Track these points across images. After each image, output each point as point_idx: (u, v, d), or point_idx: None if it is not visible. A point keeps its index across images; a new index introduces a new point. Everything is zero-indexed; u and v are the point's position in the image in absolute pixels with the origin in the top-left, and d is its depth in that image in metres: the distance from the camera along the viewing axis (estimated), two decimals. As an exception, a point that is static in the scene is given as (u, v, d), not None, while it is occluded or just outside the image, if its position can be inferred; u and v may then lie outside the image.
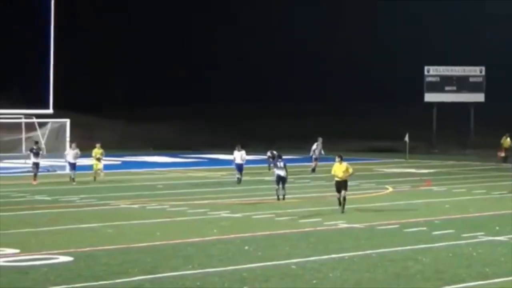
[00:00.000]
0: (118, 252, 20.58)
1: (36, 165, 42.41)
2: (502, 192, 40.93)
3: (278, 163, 35.85)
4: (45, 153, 46.25)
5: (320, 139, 54.26)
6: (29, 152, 45.53)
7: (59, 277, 16.40)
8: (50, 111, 51.69)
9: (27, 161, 49.16)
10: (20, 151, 54.31)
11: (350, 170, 30.70)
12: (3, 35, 57.55)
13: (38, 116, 54.38)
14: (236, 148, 45.03)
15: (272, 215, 29.92)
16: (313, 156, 51.52)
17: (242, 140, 50.01)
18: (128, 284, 16.24)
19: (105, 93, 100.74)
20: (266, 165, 52.23)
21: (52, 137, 51.80)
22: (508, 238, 23.73)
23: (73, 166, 42.72)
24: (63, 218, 28.94)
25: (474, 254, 20.83)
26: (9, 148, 54.75)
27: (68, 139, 49.48)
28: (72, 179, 42.21)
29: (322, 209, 32.05)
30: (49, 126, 53.55)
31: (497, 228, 26.52)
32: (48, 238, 23.09)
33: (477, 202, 37.59)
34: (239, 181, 43.48)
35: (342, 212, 29.77)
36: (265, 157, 51.14)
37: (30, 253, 19.65)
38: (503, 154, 60.69)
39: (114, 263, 18.47)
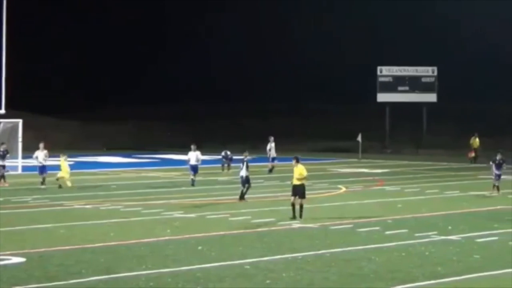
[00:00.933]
0: (72, 252, 20.53)
1: (3, 167, 41.84)
2: (455, 192, 41.68)
3: (242, 164, 36.42)
4: (9, 154, 44.69)
5: (271, 138, 54.25)
6: None
7: (12, 278, 16.36)
8: (2, 111, 52.08)
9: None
10: None
11: (304, 173, 29.65)
12: None
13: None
14: (192, 148, 44.33)
15: (226, 215, 29.85)
16: (270, 157, 51.67)
17: (200, 139, 49.85)
18: (82, 285, 16.24)
19: (58, 94, 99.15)
20: (219, 165, 52.90)
21: (4, 138, 50.61)
22: (460, 237, 24.26)
23: (43, 168, 41.39)
24: (17, 219, 28.82)
25: (427, 253, 21.25)
26: None
27: (20, 139, 49.56)
28: (42, 182, 40.65)
29: (276, 209, 32.04)
30: (1, 126, 53.21)
31: (449, 227, 26.92)
32: (1, 238, 22.65)
33: (430, 201, 38.03)
34: (192, 182, 42.75)
35: (300, 217, 28.59)
36: (219, 157, 51.54)
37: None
38: (473, 155, 61.77)
39: (68, 263, 18.37)
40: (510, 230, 26.23)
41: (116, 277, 16.90)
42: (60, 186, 40.26)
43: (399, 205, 35.18)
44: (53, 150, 49.16)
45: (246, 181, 35.59)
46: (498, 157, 40.84)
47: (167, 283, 16.35)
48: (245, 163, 36.27)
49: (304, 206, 30.30)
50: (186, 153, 46.15)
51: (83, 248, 21.29)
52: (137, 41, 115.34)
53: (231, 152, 53.30)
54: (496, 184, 40.02)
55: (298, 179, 29.21)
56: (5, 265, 18.26)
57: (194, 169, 43.36)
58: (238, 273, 17.60)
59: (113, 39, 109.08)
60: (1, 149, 43.28)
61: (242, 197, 34.93)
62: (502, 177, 41.39)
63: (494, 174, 40.60)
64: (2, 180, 41.06)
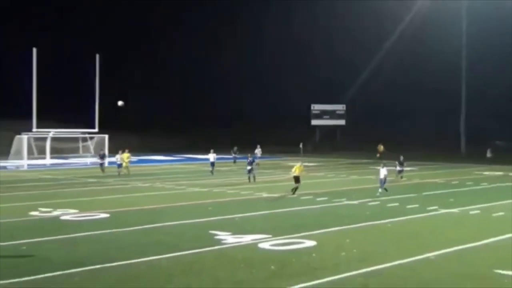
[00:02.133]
0: (139, 211, 25.03)
1: (102, 164, 47.20)
2: (354, 176, 45.82)
3: (251, 160, 41.66)
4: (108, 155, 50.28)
5: (258, 145, 60.04)
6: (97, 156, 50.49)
7: (99, 226, 21.75)
8: (96, 130, 56.77)
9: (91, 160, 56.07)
10: (78, 154, 59.81)
11: (302, 168, 34.21)
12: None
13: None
14: (211, 151, 47.48)
15: (236, 190, 33.57)
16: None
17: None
18: (156, 228, 21.44)
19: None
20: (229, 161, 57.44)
21: (98, 146, 55.78)
22: (359, 201, 28.96)
23: (120, 165, 44.35)
24: (103, 192, 32.08)
25: (339, 211, 26.11)
26: (71, 152, 59.28)
27: (106, 147, 54.03)
28: (118, 173, 43.90)
29: (256, 187, 35.65)
30: (95, 139, 58.20)
31: (353, 196, 31.24)
32: (94, 203, 26.36)
33: (342, 181, 41.57)
34: (212, 172, 46.20)
35: (293, 194, 32.20)
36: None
37: (86, 212, 24.47)
38: (378, 155, 64.51)
39: (140, 217, 23.30)
40: (386, 198, 30.06)
41: (176, 224, 22.38)
42: (102, 171, 46.34)
43: (323, 183, 38.97)
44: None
45: (249, 172, 40.17)
46: (400, 160, 43.42)
47: (225, 223, 22.00)
48: (250, 160, 41.52)
49: (275, 185, 36.40)
50: (207, 153, 49.35)
51: (145, 208, 25.95)
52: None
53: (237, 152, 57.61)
54: (400, 175, 42.89)
55: (297, 173, 33.26)
56: (94, 219, 23.05)
57: (213, 164, 47.60)
58: (242, 219, 23.03)
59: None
60: (101, 153, 49.86)
61: (249, 179, 39.50)
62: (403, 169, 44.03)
63: (398, 168, 43.11)
64: (101, 170, 46.08)
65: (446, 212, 26.06)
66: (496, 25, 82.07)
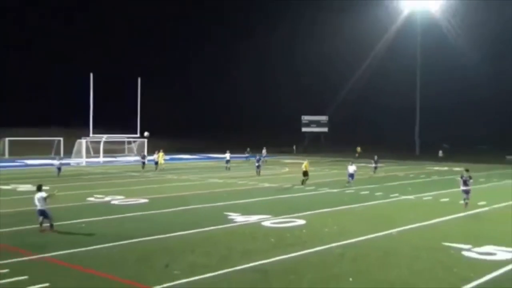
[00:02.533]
0: (174, 197, 25.07)
1: (143, 162, 43.63)
2: (336, 170, 40.26)
3: (258, 158, 41.17)
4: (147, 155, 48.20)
5: (264, 147, 57.32)
6: (139, 156, 48.19)
7: (141, 209, 21.79)
8: (138, 135, 56.07)
9: (134, 158, 55.00)
10: (124, 154, 60.27)
11: (307, 166, 33.12)
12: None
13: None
14: (227, 152, 46.18)
15: (246, 181, 33.25)
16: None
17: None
18: (190, 210, 21.55)
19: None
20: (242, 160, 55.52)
21: (139, 149, 55.95)
22: (338, 190, 28.41)
23: (156, 163, 42.94)
24: (144, 182, 31.77)
25: (323, 197, 25.94)
26: (119, 152, 59.86)
27: (145, 150, 52.58)
28: (156, 168, 42.83)
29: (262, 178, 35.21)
30: (137, 143, 59.12)
31: (334, 185, 30.29)
32: (136, 191, 26.55)
33: (325, 174, 39.61)
34: (227, 168, 44.54)
35: (302, 185, 31.51)
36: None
37: (130, 198, 24.60)
38: (357, 155, 63.04)
39: (173, 201, 23.48)
40: (359, 187, 29.72)
41: (198, 207, 22.41)
42: (143, 168, 43.46)
43: (311, 176, 36.36)
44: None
45: (258, 167, 39.70)
46: (375, 159, 42.21)
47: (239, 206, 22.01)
48: (258, 158, 41.04)
49: (274, 177, 35.72)
50: (224, 153, 47.58)
51: (175, 195, 25.92)
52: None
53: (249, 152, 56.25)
54: (375, 170, 41.51)
55: (306, 168, 32.68)
56: (137, 203, 23.21)
57: (228, 162, 45.58)
58: (262, 202, 23.30)
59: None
60: (142, 154, 46.89)
61: (257, 173, 39.01)
62: (380, 165, 44.27)
63: (374, 165, 41.84)
64: (142, 167, 43.02)
65: (405, 198, 26.19)
66: (443, 56, 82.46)
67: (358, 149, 67.85)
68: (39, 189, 16.28)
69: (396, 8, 70.21)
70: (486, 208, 22.74)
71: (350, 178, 32.42)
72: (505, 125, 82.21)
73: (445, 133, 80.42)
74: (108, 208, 21.86)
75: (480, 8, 79.75)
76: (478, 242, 15.37)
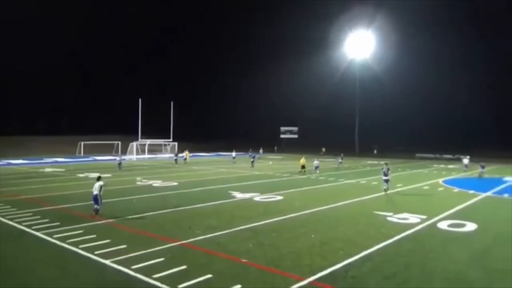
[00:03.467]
0: (193, 181, 24.72)
1: (176, 159, 40.99)
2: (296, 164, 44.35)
3: (250, 155, 39.90)
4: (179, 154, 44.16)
5: (261, 148, 55.44)
6: (173, 155, 44.34)
7: (169, 190, 21.92)
8: (171, 139, 55.11)
9: (168, 155, 52.61)
10: (162, 152, 58.06)
11: (304, 161, 31.35)
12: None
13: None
14: (233, 150, 44.90)
15: (248, 171, 32.53)
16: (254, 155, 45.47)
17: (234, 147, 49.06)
18: (206, 190, 21.41)
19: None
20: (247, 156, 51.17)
21: (173, 150, 53.95)
22: (305, 176, 28.22)
23: (182, 157, 41.30)
24: (173, 171, 31.13)
25: (295, 181, 25.59)
26: (158, 151, 58.09)
27: (176, 150, 49.76)
28: (185, 161, 41.12)
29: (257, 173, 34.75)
30: (170, 145, 57.03)
31: (302, 173, 30.18)
32: (168, 177, 26.68)
33: (297, 166, 36.28)
34: (233, 160, 42.59)
35: (302, 174, 29.58)
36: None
37: (166, 181, 24.35)
38: (322, 153, 59.70)
39: (193, 184, 23.24)
40: (319, 174, 29.40)
41: (211, 188, 22.00)
42: (176, 162, 40.58)
43: (287, 167, 36.08)
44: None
45: (252, 162, 38.18)
46: (341, 156, 40.19)
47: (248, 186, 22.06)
48: (253, 155, 39.61)
49: (262, 168, 34.28)
50: (231, 152, 46.13)
51: (196, 180, 25.48)
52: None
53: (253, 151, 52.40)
54: (341, 165, 38.75)
55: (303, 163, 31.10)
56: (170, 185, 22.84)
57: (234, 158, 43.69)
58: (264, 183, 23.01)
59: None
60: (175, 153, 43.73)
61: (252, 165, 37.19)
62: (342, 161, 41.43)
63: (340, 160, 39.41)
64: (175, 162, 40.35)
65: (348, 182, 26.06)
66: (373, 86, 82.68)
67: (323, 149, 66.96)
68: (98, 179, 14.73)
69: (344, 54, 71.16)
70: (403, 188, 22.79)
71: (315, 169, 31.50)
72: (414, 132, 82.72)
73: (375, 137, 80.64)
74: (150, 188, 21.59)
75: (397, 56, 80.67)
76: (397, 211, 15.49)
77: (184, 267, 8.80)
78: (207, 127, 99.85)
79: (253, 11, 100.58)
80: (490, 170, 35.87)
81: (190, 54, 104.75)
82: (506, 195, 20.46)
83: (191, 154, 45.89)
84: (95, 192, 14.12)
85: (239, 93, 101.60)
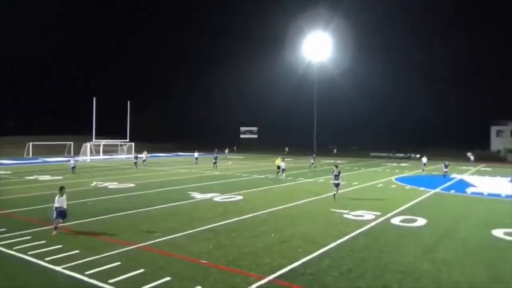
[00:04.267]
0: (162, 181, 23.94)
1: (135, 162, 36.64)
2: (264, 163, 40.30)
3: (215, 156, 36.88)
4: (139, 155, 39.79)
5: (227, 149, 55.62)
6: (133, 157, 39.97)
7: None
8: (127, 140, 53.35)
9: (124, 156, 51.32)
10: (117, 153, 56.26)
11: (279, 161, 29.47)
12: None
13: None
14: (196, 151, 43.72)
15: (213, 171, 32.10)
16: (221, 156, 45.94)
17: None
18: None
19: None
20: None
21: (130, 150, 53.00)
22: (258, 176, 28.27)
23: (142, 160, 37.66)
24: (133, 172, 30.76)
25: (254, 181, 25.61)
26: (114, 152, 56.20)
27: (133, 151, 48.90)
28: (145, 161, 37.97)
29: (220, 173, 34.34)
30: (127, 145, 55.54)
31: (262, 173, 30.02)
32: (127, 179, 26.62)
33: (256, 165, 38.27)
34: (196, 163, 40.89)
35: (277, 175, 28.32)
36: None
37: (122, 183, 23.68)
38: (285, 153, 60.99)
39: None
40: (279, 174, 29.53)
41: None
42: (136, 165, 36.43)
43: (247, 167, 36.62)
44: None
45: (215, 163, 35.74)
46: (313, 157, 39.32)
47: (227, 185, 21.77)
48: (216, 156, 36.92)
49: (223, 168, 33.42)
50: (194, 152, 44.08)
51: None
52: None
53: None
54: (313, 165, 37.22)
55: (279, 163, 29.07)
56: (126, 187, 22.15)
57: (196, 158, 42.16)
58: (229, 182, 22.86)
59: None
60: (134, 155, 38.67)
61: (214, 166, 35.29)
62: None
63: (312, 161, 37.91)
64: (134, 164, 36.35)
65: (307, 181, 26.42)
66: (330, 88, 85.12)
67: (286, 149, 67.13)
68: (61, 189, 11.99)
69: (302, 56, 72.31)
70: (358, 186, 23.42)
71: (281, 171, 28.70)
72: (369, 132, 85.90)
73: (332, 137, 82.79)
74: (106, 190, 20.86)
75: (353, 57, 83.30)
76: (353, 208, 15.92)
77: (141, 270, 8.58)
78: (165, 127, 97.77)
79: (212, 11, 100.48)
80: (439, 168, 37.88)
81: (148, 52, 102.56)
82: (452, 191, 21.73)
83: (149, 155, 44.62)
84: (62, 206, 11.80)
85: (198, 93, 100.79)
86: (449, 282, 8.24)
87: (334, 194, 18.44)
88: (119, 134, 55.45)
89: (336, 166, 19.62)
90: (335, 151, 66.99)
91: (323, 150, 68.80)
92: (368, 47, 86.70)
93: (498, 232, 12.37)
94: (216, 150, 46.63)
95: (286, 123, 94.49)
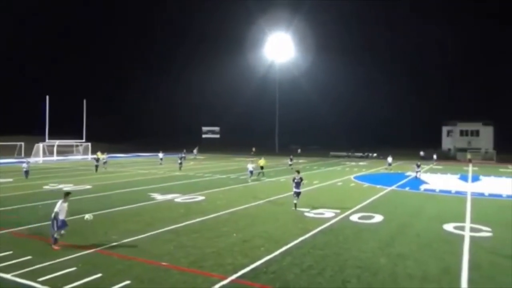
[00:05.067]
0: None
1: (96, 165, 32.75)
2: (225, 163, 42.27)
3: (181, 156, 35.31)
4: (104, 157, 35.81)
5: (197, 147, 54.69)
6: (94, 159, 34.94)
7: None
8: (84, 140, 51.51)
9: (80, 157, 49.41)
10: (72, 154, 53.87)
11: (263, 162, 29.59)
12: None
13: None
14: (160, 151, 41.54)
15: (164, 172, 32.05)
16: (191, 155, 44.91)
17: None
18: (175, 186, 20.21)
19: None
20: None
21: (86, 151, 51.38)
22: (226, 176, 28.19)
23: (98, 160, 33.52)
24: (89, 174, 29.54)
25: (217, 181, 25.40)
26: (69, 152, 53.69)
27: (89, 152, 48.14)
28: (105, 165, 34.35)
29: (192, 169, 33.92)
30: (83, 146, 53.53)
31: (224, 173, 29.93)
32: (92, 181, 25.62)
33: (218, 166, 38.22)
34: (160, 164, 38.99)
35: (258, 175, 27.84)
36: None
37: (78, 185, 22.60)
38: (252, 153, 60.19)
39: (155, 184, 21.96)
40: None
41: (131, 190, 20.96)
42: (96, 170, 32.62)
43: (209, 167, 36.13)
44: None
45: (180, 163, 34.07)
46: (291, 157, 39.23)
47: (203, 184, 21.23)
48: (180, 156, 35.55)
49: (187, 168, 32.62)
50: (158, 153, 42.00)
51: (114, 182, 24.12)
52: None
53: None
54: (291, 165, 36.75)
55: (262, 164, 29.23)
56: (83, 189, 21.36)
57: (161, 159, 40.40)
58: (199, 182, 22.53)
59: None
60: (95, 158, 34.10)
61: (179, 167, 33.61)
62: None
63: (290, 162, 38.09)
64: (96, 169, 32.26)
65: (269, 180, 26.53)
66: (292, 89, 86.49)
67: (253, 149, 66.79)
68: (66, 195, 10.75)
69: (264, 57, 72.92)
70: (319, 185, 23.85)
71: (250, 174, 26.79)
72: (329, 132, 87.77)
73: (294, 137, 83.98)
74: (60, 193, 19.68)
75: (314, 58, 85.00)
76: (314, 206, 16.24)
77: (99, 275, 8.29)
78: (125, 127, 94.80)
79: (174, 11, 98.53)
80: (395, 166, 39.47)
81: (106, 50, 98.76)
82: (407, 189, 22.73)
83: (108, 155, 43.06)
84: (61, 215, 10.46)
85: (159, 94, 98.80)
86: (404, 275, 8.60)
87: (295, 204, 15.79)
88: (75, 134, 53.29)
89: (298, 172, 16.62)
90: (299, 150, 67.80)
91: (286, 150, 69.77)
92: (329, 48, 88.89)
93: (449, 227, 13.05)
94: (184, 150, 45.55)
95: (249, 123, 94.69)
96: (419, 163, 30.59)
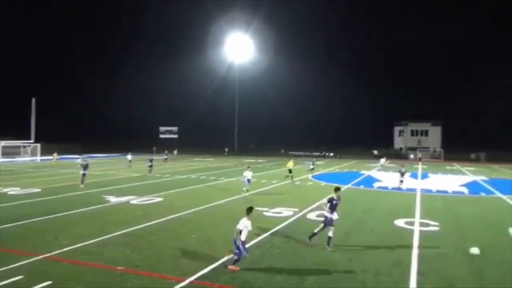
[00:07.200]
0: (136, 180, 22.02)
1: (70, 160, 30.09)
2: (185, 163, 41.76)
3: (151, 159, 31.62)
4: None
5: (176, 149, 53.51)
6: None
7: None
8: (32, 141, 48.06)
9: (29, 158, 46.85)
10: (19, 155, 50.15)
11: (292, 164, 27.01)
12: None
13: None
14: (129, 153, 39.41)
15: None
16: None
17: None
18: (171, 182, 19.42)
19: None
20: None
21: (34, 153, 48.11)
22: (186, 176, 27.68)
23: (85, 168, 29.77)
24: (39, 176, 27.85)
25: (176, 181, 24.93)
26: (16, 154, 50.18)
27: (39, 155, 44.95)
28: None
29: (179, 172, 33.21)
30: (31, 147, 50.09)
31: (184, 174, 29.45)
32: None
33: (179, 166, 37.84)
34: (129, 166, 36.69)
35: (290, 179, 25.83)
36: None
37: (25, 188, 21.42)
38: (225, 154, 61.19)
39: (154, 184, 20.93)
40: (199, 174, 29.21)
41: (85, 192, 20.18)
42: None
43: (169, 168, 35.43)
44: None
45: (150, 166, 30.87)
46: (312, 162, 33.57)
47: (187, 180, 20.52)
48: (150, 158, 31.92)
49: (137, 169, 32.19)
50: (127, 154, 40.00)
51: (65, 184, 23.01)
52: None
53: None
54: (312, 168, 32.06)
55: (291, 166, 26.67)
56: (30, 192, 20.25)
57: (130, 161, 38.18)
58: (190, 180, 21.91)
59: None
60: (54, 159, 31.60)
61: (150, 170, 30.60)
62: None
63: (311, 166, 32.30)
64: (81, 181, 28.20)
65: (228, 180, 26.32)
66: (252, 88, 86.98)
67: (226, 149, 66.26)
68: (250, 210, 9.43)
69: (224, 57, 72.88)
70: (277, 184, 24.07)
71: (247, 182, 21.37)
72: (287, 131, 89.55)
73: (253, 137, 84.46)
74: (6, 197, 18.64)
75: (274, 58, 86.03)
76: (272, 205, 16.39)
77: (48, 283, 7.85)
78: (78, 126, 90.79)
79: (131, 9, 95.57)
80: (350, 165, 41.01)
81: (58, 46, 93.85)
82: (362, 186, 23.64)
83: (58, 157, 40.93)
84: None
85: (115, 93, 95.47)
86: (359, 270, 8.90)
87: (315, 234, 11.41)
88: (22, 134, 50.22)
89: (337, 189, 11.45)
90: (251, 147, 68.44)
91: (244, 149, 70.38)
92: (287, 48, 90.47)
93: (400, 222, 13.68)
94: (166, 151, 44.51)
95: (208, 123, 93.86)
96: (403, 169, 24.25)
